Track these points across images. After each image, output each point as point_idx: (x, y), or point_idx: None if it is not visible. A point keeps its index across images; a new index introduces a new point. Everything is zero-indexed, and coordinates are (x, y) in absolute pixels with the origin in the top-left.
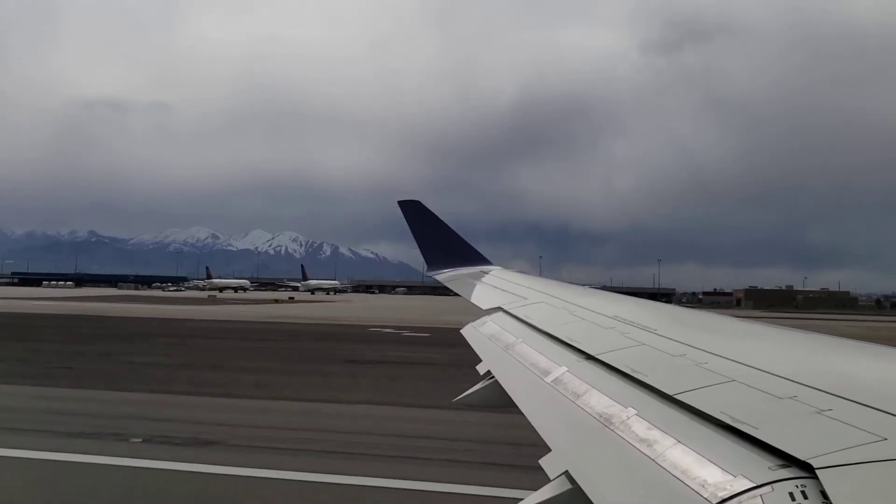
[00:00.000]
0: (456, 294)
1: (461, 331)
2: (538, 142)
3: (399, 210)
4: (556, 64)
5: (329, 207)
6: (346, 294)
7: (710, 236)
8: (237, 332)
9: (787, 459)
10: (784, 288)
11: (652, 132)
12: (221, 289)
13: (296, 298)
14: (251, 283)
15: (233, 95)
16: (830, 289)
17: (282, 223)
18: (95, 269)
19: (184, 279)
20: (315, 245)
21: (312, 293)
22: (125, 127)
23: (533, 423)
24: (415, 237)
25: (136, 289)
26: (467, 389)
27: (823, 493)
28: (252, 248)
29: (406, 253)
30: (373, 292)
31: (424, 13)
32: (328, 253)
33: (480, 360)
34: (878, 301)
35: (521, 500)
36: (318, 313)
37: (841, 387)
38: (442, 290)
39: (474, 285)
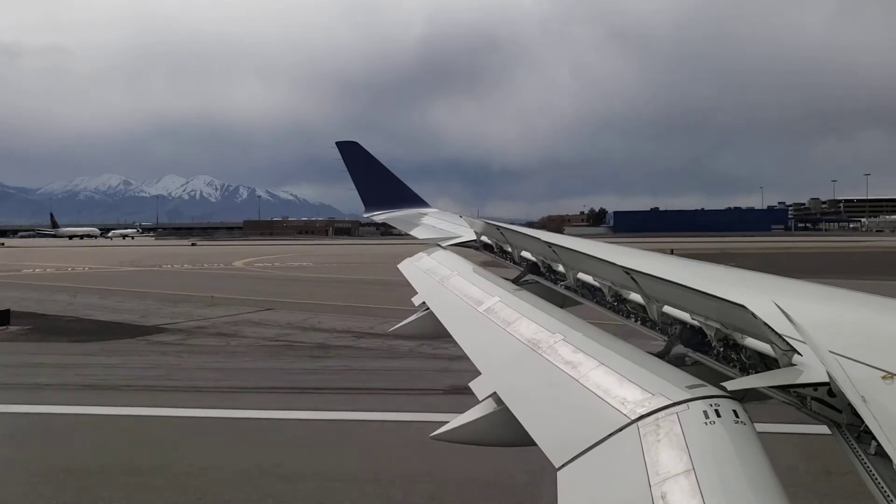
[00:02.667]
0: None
1: (398, 266)
2: (452, 77)
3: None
4: None
5: (245, 150)
6: None
7: (626, 167)
8: None
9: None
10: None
11: (561, 65)
12: None
13: None
14: None
15: (131, 37)
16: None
17: (196, 167)
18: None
19: None
20: (231, 188)
21: None
22: (22, 71)
23: (464, 349)
24: (353, 178)
25: None
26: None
27: (735, 412)
28: (166, 193)
29: (330, 194)
30: None
31: None
32: (245, 196)
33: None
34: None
35: (448, 421)
36: None
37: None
38: None
39: (412, 225)
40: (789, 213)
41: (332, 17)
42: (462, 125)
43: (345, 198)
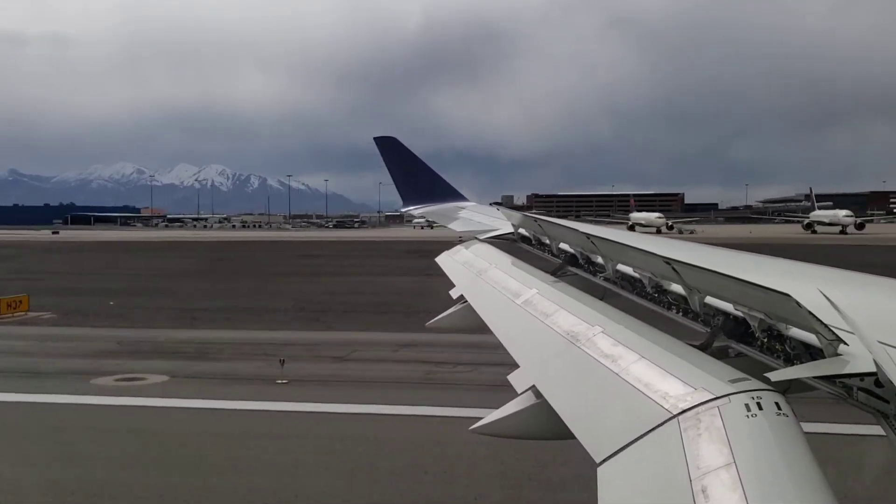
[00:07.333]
0: None
1: (436, 259)
2: (455, 66)
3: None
4: None
5: (257, 139)
6: None
7: (637, 156)
8: None
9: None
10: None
11: (562, 53)
12: None
13: None
14: None
15: (130, 23)
16: None
17: (208, 156)
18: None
19: None
20: (242, 178)
21: None
22: (35, 60)
23: (503, 342)
24: (390, 173)
25: None
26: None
27: (777, 405)
28: (177, 182)
29: (344, 184)
30: None
31: None
32: (256, 185)
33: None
34: None
35: (489, 413)
36: None
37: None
38: None
39: (450, 219)
40: None
41: (345, 7)
42: (468, 114)
43: (357, 188)
